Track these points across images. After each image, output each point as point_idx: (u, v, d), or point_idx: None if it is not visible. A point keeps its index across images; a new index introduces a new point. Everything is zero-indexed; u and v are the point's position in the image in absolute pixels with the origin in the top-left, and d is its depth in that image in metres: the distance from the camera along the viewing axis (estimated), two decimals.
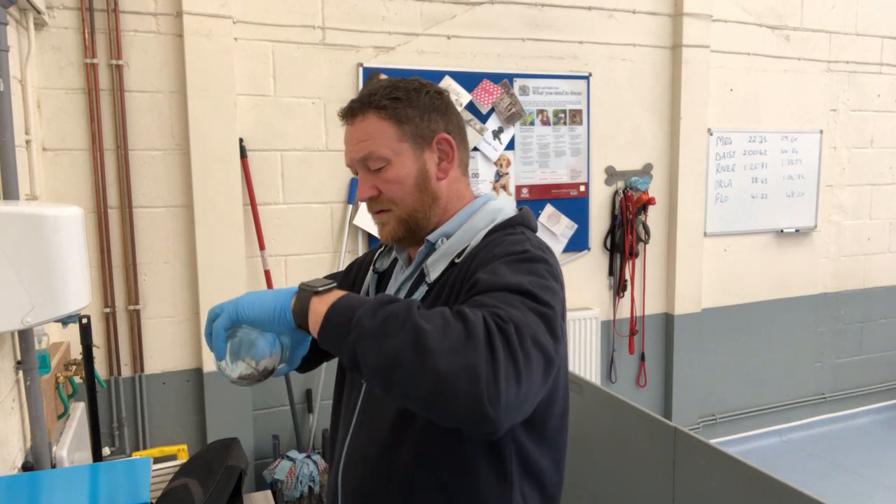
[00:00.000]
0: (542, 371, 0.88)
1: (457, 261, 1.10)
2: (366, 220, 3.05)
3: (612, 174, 3.58)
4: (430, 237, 1.14)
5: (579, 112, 3.45)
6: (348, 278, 1.36)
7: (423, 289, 1.12)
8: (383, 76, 3.03)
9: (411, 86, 1.14)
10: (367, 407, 1.14)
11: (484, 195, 1.21)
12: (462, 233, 1.13)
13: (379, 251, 1.30)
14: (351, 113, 1.13)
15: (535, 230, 1.16)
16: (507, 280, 0.95)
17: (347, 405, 1.20)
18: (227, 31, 2.72)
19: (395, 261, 1.26)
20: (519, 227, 1.13)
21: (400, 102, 1.11)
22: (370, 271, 1.28)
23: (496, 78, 3.25)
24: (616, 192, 3.59)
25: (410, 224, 1.14)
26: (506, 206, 1.18)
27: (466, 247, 1.11)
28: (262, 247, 2.89)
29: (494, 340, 0.83)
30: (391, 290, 1.22)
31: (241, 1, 2.79)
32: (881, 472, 3.71)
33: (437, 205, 1.15)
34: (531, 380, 0.85)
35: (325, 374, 3.06)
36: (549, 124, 3.40)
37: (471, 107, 3.20)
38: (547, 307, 0.93)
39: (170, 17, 2.68)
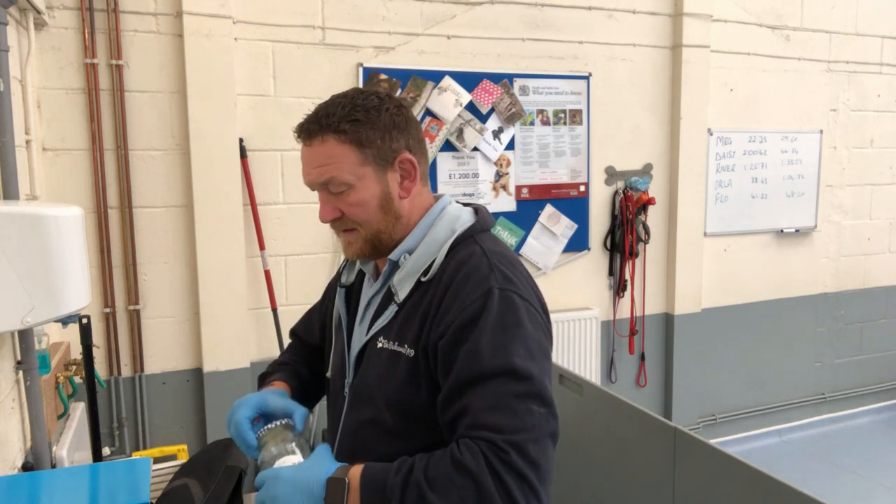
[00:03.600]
0: (551, 455, 0.98)
1: (423, 279, 1.12)
2: None
3: (612, 174, 3.58)
4: (393, 255, 1.15)
5: (579, 112, 3.45)
6: (324, 304, 1.39)
7: (392, 308, 1.14)
8: (383, 76, 3.03)
9: (370, 104, 1.11)
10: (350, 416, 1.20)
11: (441, 199, 1.21)
12: (424, 248, 1.14)
13: (344, 264, 1.32)
14: (308, 134, 1.11)
15: (490, 228, 1.19)
16: (488, 365, 0.99)
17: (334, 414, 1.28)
18: (227, 31, 2.72)
19: (360, 273, 1.27)
20: (479, 235, 1.15)
21: (360, 125, 1.09)
22: (338, 287, 1.29)
23: (496, 78, 3.25)
24: (616, 192, 3.59)
25: (375, 243, 1.15)
26: (462, 213, 1.18)
27: (432, 262, 1.12)
28: (262, 247, 2.89)
29: (506, 483, 0.92)
30: (361, 305, 1.23)
31: (241, 1, 2.79)
32: (881, 472, 3.71)
33: (400, 222, 1.16)
34: (544, 479, 0.96)
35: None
36: (549, 124, 3.40)
37: (471, 107, 3.20)
38: (530, 380, 0.99)
39: (170, 17, 2.68)
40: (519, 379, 0.99)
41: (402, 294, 1.13)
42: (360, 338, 1.20)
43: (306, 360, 1.43)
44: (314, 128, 1.10)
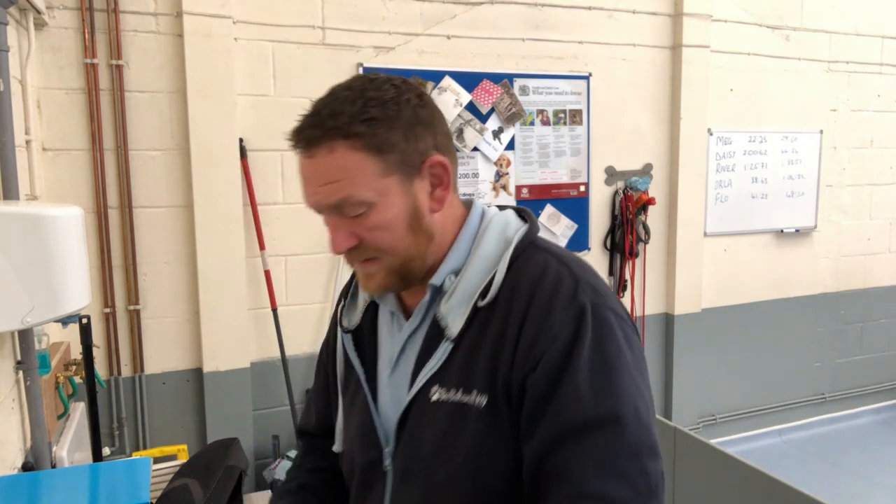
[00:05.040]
0: None
1: (481, 304, 0.88)
2: None
3: (612, 174, 3.58)
4: (435, 280, 0.91)
5: (579, 112, 3.45)
6: (322, 369, 1.14)
7: (445, 346, 0.88)
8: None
9: (386, 95, 0.85)
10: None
11: (474, 206, 0.97)
12: (476, 266, 0.90)
13: (340, 305, 1.06)
14: (309, 143, 0.84)
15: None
16: (592, 413, 0.80)
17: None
18: (227, 31, 2.72)
19: (370, 313, 1.02)
20: (540, 240, 0.93)
21: (377, 125, 0.83)
22: (339, 332, 1.03)
23: (496, 78, 3.25)
24: (616, 192, 3.59)
25: (404, 273, 0.90)
26: (509, 218, 0.95)
27: (489, 281, 0.88)
28: (262, 247, 2.88)
29: None
30: (386, 352, 0.97)
31: (241, 1, 2.79)
32: (881, 472, 3.71)
33: (434, 242, 0.91)
34: None
35: None
36: (549, 124, 3.40)
37: (471, 107, 3.20)
38: (640, 427, 0.81)
39: (170, 17, 2.68)
40: (627, 428, 0.80)
41: (455, 327, 0.88)
42: (397, 392, 0.94)
43: (322, 470, 1.12)
44: (317, 133, 0.83)
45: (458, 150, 3.19)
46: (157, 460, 2.53)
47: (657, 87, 3.61)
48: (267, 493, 2.45)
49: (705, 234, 3.81)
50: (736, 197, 3.88)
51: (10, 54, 1.89)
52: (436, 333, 0.90)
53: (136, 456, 2.71)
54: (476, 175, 3.25)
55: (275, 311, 2.93)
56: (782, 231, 4.04)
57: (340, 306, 1.06)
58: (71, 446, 2.12)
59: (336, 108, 0.84)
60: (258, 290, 2.93)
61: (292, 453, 2.89)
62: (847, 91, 4.10)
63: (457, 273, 0.91)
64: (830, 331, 4.28)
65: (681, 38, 3.55)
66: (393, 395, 0.95)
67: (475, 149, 3.23)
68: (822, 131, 4.06)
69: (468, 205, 0.97)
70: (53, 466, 2.00)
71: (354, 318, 1.02)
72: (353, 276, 1.06)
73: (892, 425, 4.35)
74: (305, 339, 3.06)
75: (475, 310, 0.88)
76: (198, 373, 2.85)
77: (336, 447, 1.04)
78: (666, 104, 3.64)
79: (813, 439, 4.15)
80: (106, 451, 2.65)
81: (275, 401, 3.01)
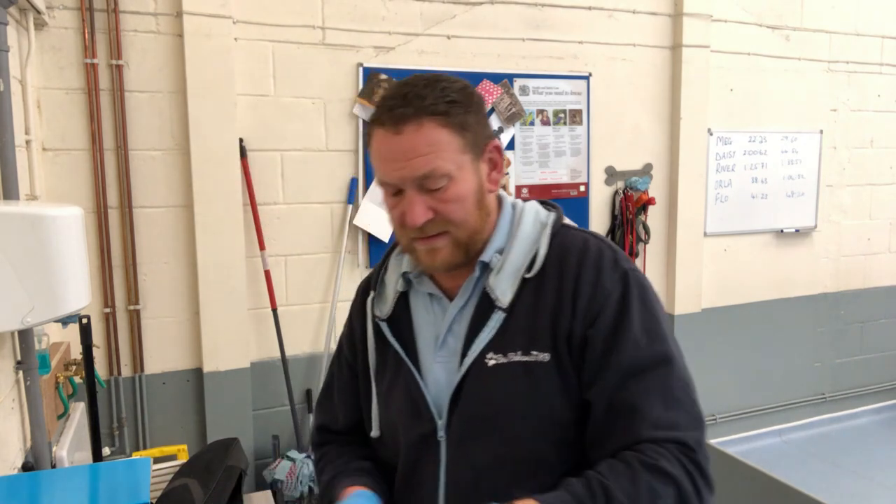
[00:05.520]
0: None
1: (528, 276, 0.99)
2: (366, 220, 3.05)
3: (612, 174, 3.58)
4: (484, 257, 1.02)
5: (579, 112, 3.45)
6: (344, 362, 1.20)
7: (498, 315, 0.99)
8: (383, 76, 3.03)
9: (458, 85, 0.97)
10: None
11: (504, 196, 1.10)
12: (520, 244, 1.02)
13: (371, 296, 1.13)
14: (398, 120, 0.93)
15: None
16: (647, 353, 0.94)
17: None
18: (227, 31, 2.72)
19: (401, 301, 1.10)
20: (569, 224, 1.08)
21: (457, 106, 0.95)
22: (369, 322, 1.11)
23: (496, 78, 3.24)
24: (616, 192, 3.59)
25: (468, 247, 1.00)
26: (537, 206, 1.10)
27: (534, 259, 1.00)
28: (262, 247, 2.88)
29: (697, 483, 0.89)
30: (435, 331, 1.05)
31: (241, 1, 2.79)
32: (881, 472, 3.71)
33: (489, 220, 1.03)
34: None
35: (325, 374, 3.05)
36: (549, 124, 3.40)
37: None
38: (683, 365, 0.96)
39: (170, 17, 2.68)
40: (677, 365, 0.95)
41: (506, 297, 0.99)
42: (446, 367, 1.03)
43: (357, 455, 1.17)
44: (408, 112, 0.93)
45: None
46: (157, 460, 2.53)
47: (657, 87, 3.61)
48: (267, 494, 2.45)
49: (705, 234, 3.80)
50: (736, 197, 3.88)
51: (10, 54, 1.89)
52: (486, 305, 1.00)
53: (136, 456, 2.71)
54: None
55: (275, 311, 2.93)
56: (782, 231, 4.04)
57: (370, 298, 1.12)
58: (71, 446, 2.12)
59: (419, 92, 0.94)
60: (258, 290, 2.93)
61: (292, 453, 2.90)
62: (847, 91, 4.10)
63: (500, 252, 1.02)
64: (830, 331, 4.28)
65: (681, 38, 3.55)
66: (443, 369, 1.03)
67: None
68: (822, 131, 4.06)
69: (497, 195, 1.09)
70: (53, 466, 2.00)
71: (386, 308, 1.09)
72: (378, 269, 1.15)
73: (892, 425, 4.35)
74: (305, 339, 3.06)
75: (523, 281, 0.99)
76: (198, 373, 2.85)
77: (374, 433, 1.10)
78: (666, 104, 3.64)
79: (813, 439, 4.15)
80: (106, 451, 2.64)
81: (275, 401, 3.01)
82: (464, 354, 1.00)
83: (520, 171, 3.35)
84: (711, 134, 3.75)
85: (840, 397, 4.36)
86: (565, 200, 3.47)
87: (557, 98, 3.39)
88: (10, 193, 1.83)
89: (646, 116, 3.61)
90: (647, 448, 0.89)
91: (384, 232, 3.08)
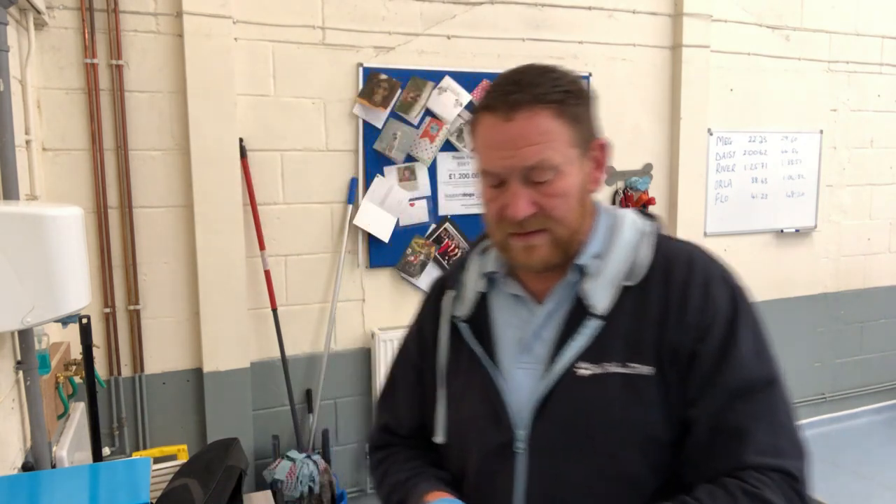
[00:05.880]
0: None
1: (628, 284, 0.94)
2: (366, 220, 3.05)
3: (612, 174, 3.57)
4: (582, 260, 0.96)
5: None
6: (410, 363, 1.14)
7: (593, 323, 0.93)
8: (383, 76, 3.03)
9: (571, 76, 0.93)
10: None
11: (598, 202, 1.04)
12: (620, 251, 0.96)
13: (452, 295, 1.07)
14: (511, 106, 0.89)
15: None
16: (757, 374, 0.89)
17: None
18: (227, 31, 2.72)
19: (480, 301, 1.04)
20: (667, 234, 1.02)
21: (571, 97, 0.91)
22: (444, 322, 1.06)
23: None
24: (616, 192, 3.59)
25: (567, 246, 0.95)
26: (634, 213, 1.04)
27: (634, 267, 0.95)
28: (262, 247, 2.88)
29: None
30: (519, 335, 0.99)
31: (241, 1, 2.79)
32: (881, 472, 3.71)
33: (587, 221, 0.98)
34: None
35: (325, 374, 3.06)
36: None
37: (471, 107, 3.20)
38: (787, 389, 0.91)
39: (170, 17, 2.68)
40: (782, 388, 0.90)
41: (603, 305, 0.93)
42: (532, 374, 0.96)
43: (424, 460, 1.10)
44: (523, 98, 0.88)
45: (457, 150, 3.19)
46: (157, 460, 2.53)
47: (657, 87, 3.61)
48: (267, 494, 2.45)
49: (705, 234, 3.80)
50: (736, 197, 3.88)
51: (10, 54, 1.88)
52: (580, 312, 0.94)
53: (136, 456, 2.71)
54: (476, 175, 3.24)
55: (275, 311, 2.93)
56: (782, 231, 4.04)
57: (450, 297, 1.07)
58: (71, 446, 2.12)
59: (534, 80, 0.90)
60: (258, 290, 2.93)
61: (292, 453, 2.90)
62: (847, 91, 4.10)
63: (597, 256, 0.97)
64: (830, 331, 4.28)
65: (681, 38, 3.55)
66: (527, 376, 0.97)
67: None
68: (822, 131, 4.06)
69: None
70: (53, 466, 2.00)
71: (465, 308, 1.04)
72: (457, 268, 1.10)
73: (892, 425, 4.35)
74: (305, 339, 3.06)
75: (622, 289, 0.94)
76: (198, 373, 2.85)
77: (439, 438, 1.04)
78: (666, 104, 3.64)
79: (813, 439, 4.07)
80: (106, 451, 2.65)
81: (275, 401, 3.01)
82: (552, 361, 0.94)
83: None
84: (711, 134, 3.75)
85: (840, 397, 4.36)
86: None
87: None
88: (10, 193, 1.83)
89: (646, 116, 3.60)
90: (749, 476, 0.84)
91: (384, 232, 3.08)
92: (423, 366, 1.10)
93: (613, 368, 0.91)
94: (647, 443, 0.90)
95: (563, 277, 0.97)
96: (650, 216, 1.03)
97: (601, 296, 0.94)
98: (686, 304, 0.91)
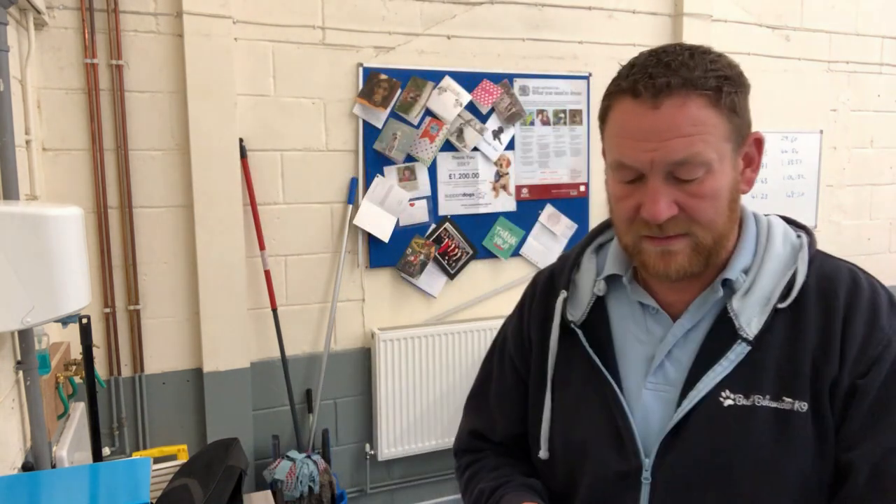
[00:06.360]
0: None
1: (781, 306, 0.82)
2: (366, 220, 3.05)
3: None
4: (730, 274, 0.85)
5: (579, 112, 3.45)
6: (507, 364, 1.03)
7: (741, 348, 0.82)
8: (383, 76, 3.03)
9: (727, 60, 0.82)
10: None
11: (743, 207, 0.91)
12: (772, 266, 0.85)
13: (564, 297, 0.96)
14: (661, 91, 0.77)
15: None
16: None
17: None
18: (227, 31, 2.72)
19: (596, 307, 0.93)
20: (821, 250, 0.92)
21: (729, 83, 0.79)
22: (555, 325, 0.95)
23: (496, 78, 3.24)
24: None
25: (710, 255, 0.83)
26: (783, 222, 0.93)
27: (789, 287, 0.84)
28: (262, 247, 2.88)
29: None
30: (648, 351, 0.88)
31: (241, 1, 2.79)
32: None
33: (734, 228, 0.86)
34: None
35: (325, 374, 3.06)
36: (549, 124, 3.40)
37: (471, 107, 3.20)
38: None
39: (170, 17, 2.68)
40: None
41: (753, 327, 0.82)
42: (662, 396, 0.86)
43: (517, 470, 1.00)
44: (675, 82, 0.76)
45: (457, 150, 3.19)
46: (157, 460, 2.53)
47: None
48: (267, 494, 2.45)
49: None
50: None
51: (10, 54, 1.88)
52: (725, 333, 0.83)
53: (136, 456, 2.71)
54: (476, 175, 3.25)
55: (275, 311, 2.93)
56: None
57: (562, 298, 0.96)
58: (71, 446, 2.12)
59: (686, 62, 0.78)
60: (258, 290, 2.93)
61: (292, 453, 2.90)
62: (847, 91, 4.10)
63: (745, 271, 0.86)
64: None
65: (681, 38, 3.55)
66: (657, 399, 0.87)
67: (475, 149, 3.23)
68: (822, 131, 4.06)
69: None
70: (53, 466, 2.00)
71: (579, 313, 0.93)
72: (567, 266, 1.00)
73: None
74: (305, 339, 3.06)
75: (774, 311, 0.83)
76: (198, 373, 2.85)
77: (542, 453, 0.95)
78: None
79: None
80: (106, 451, 2.65)
81: (275, 401, 3.01)
82: (688, 386, 0.84)
83: (520, 170, 3.35)
84: None
85: None
86: (565, 200, 3.47)
87: (557, 98, 3.39)
88: (10, 193, 1.83)
89: None
90: None
91: (384, 232, 3.08)
92: (524, 370, 1.00)
93: (764, 402, 0.81)
94: (795, 487, 0.80)
95: (704, 291, 0.86)
96: (802, 227, 0.93)
97: (750, 317, 0.82)
98: (848, 331, 0.80)
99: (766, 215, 0.93)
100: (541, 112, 3.37)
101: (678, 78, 0.77)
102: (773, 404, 0.80)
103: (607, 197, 0.91)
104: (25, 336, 1.84)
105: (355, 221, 3.04)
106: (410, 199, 3.13)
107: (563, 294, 0.96)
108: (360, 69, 3.00)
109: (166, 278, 2.78)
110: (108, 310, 2.70)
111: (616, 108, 0.83)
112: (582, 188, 3.50)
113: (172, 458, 2.66)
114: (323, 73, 2.95)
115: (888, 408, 0.78)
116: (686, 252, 0.82)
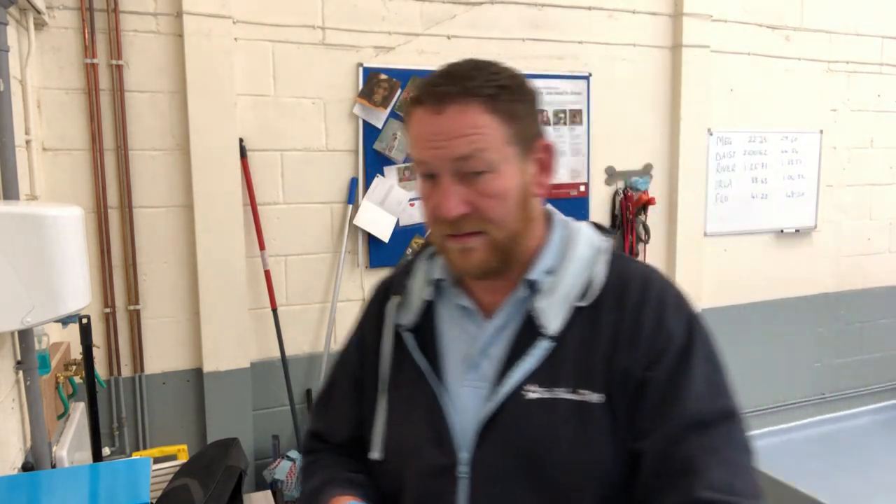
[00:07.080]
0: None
1: (581, 304, 0.89)
2: (366, 220, 3.05)
3: (612, 174, 3.57)
4: (533, 274, 0.92)
5: (579, 112, 3.45)
6: (349, 370, 1.07)
7: (544, 344, 0.88)
8: (383, 76, 3.03)
9: (511, 72, 0.89)
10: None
11: (553, 211, 1.01)
12: (574, 267, 0.92)
13: (396, 302, 1.01)
14: (440, 99, 0.85)
15: None
16: (709, 407, 0.85)
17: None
18: (227, 31, 2.72)
19: (426, 311, 0.98)
20: (623, 252, 0.99)
21: (508, 92, 0.86)
22: (387, 330, 1.00)
23: None
24: (616, 192, 3.59)
25: (506, 252, 0.89)
26: (589, 228, 1.00)
27: (588, 286, 0.90)
28: (262, 247, 2.88)
29: None
30: (466, 351, 0.94)
31: (241, 1, 2.79)
32: (881, 472, 3.71)
33: (531, 228, 0.92)
34: None
35: (325, 375, 3.05)
36: (549, 124, 3.39)
37: None
38: (743, 424, 0.87)
39: (170, 17, 2.68)
40: (739, 424, 0.86)
41: (554, 325, 0.88)
42: (477, 393, 0.91)
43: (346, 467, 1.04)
44: (453, 91, 0.84)
45: None
46: (157, 460, 2.53)
47: (657, 87, 3.60)
48: (267, 494, 2.45)
49: (705, 234, 3.80)
50: (736, 197, 3.88)
51: (10, 54, 1.88)
52: (530, 331, 0.90)
53: (136, 456, 2.71)
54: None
55: (275, 311, 2.93)
56: (782, 231, 4.04)
57: (394, 303, 1.00)
58: (71, 446, 2.12)
59: (468, 73, 0.86)
60: (258, 290, 2.93)
61: (292, 453, 2.90)
62: (847, 91, 4.10)
63: (549, 272, 0.92)
64: (830, 331, 4.28)
65: (681, 38, 3.55)
66: (472, 395, 0.91)
67: None
68: (822, 131, 4.06)
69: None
70: (53, 466, 2.00)
71: (410, 317, 0.98)
72: (402, 272, 1.04)
73: (892, 425, 4.35)
74: (305, 339, 3.06)
75: (575, 310, 0.89)
76: (198, 373, 2.85)
77: (375, 454, 0.98)
78: (666, 104, 3.64)
79: (813, 439, 4.14)
80: (106, 451, 2.64)
81: (275, 401, 3.01)
82: (498, 382, 0.89)
83: None
84: (711, 134, 3.75)
85: (840, 397, 4.36)
86: (565, 200, 3.47)
87: (557, 98, 3.39)
88: (10, 193, 1.83)
89: (646, 116, 3.60)
90: None
91: (384, 232, 3.08)
92: (362, 375, 1.04)
93: (563, 394, 0.86)
94: (594, 474, 0.86)
95: (513, 292, 0.93)
96: (607, 231, 0.99)
97: (553, 316, 0.89)
98: (638, 328, 0.87)
99: (577, 222, 1.00)
100: (540, 112, 3.37)
101: (459, 87, 0.84)
102: (572, 396, 0.86)
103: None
104: (25, 336, 1.84)
105: (355, 221, 3.04)
106: (410, 199, 3.13)
107: (395, 299, 1.01)
108: (360, 69, 3.00)
109: (166, 278, 2.78)
110: (108, 310, 2.70)
111: (412, 118, 0.89)
112: (582, 188, 3.51)
113: (172, 458, 2.65)
114: (323, 73, 2.95)
115: (674, 398, 0.84)
116: (483, 249, 0.88)
